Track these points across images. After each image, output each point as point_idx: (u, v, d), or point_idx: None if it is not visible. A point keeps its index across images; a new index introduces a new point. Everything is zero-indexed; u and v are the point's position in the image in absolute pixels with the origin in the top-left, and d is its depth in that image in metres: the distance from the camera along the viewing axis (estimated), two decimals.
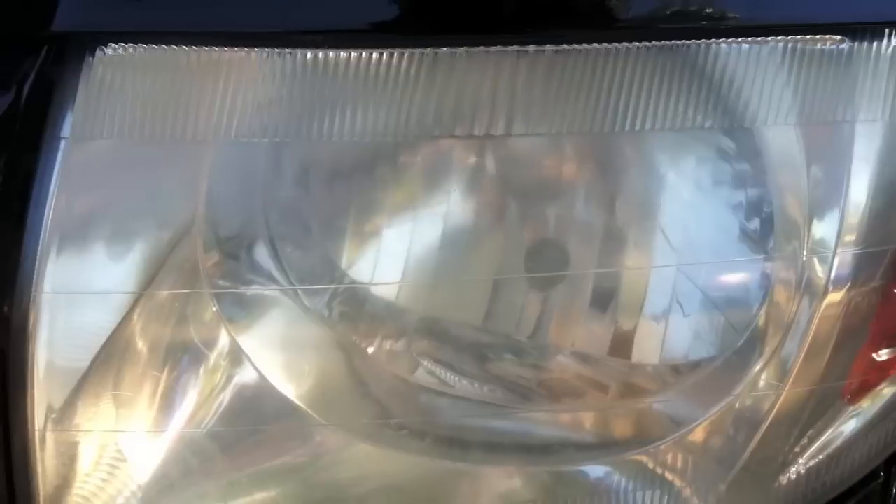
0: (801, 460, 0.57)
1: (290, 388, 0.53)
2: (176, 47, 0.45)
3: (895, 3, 0.50)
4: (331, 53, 0.46)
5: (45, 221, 0.46)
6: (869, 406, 0.58)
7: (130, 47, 0.45)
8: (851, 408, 0.58)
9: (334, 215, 0.53)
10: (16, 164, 0.45)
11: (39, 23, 0.44)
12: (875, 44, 0.50)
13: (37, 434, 0.49)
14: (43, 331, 0.48)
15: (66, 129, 0.45)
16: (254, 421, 0.53)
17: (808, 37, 0.49)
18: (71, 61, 0.45)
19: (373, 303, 0.54)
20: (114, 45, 0.45)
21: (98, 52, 0.45)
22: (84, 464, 0.52)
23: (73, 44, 0.45)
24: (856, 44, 0.49)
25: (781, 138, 0.51)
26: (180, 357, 0.52)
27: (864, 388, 0.57)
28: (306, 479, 0.55)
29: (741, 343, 0.55)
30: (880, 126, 0.51)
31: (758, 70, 0.49)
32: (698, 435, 0.56)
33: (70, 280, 0.47)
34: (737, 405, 0.56)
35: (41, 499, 0.51)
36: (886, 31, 0.49)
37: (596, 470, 0.57)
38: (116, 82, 0.45)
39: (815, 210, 0.52)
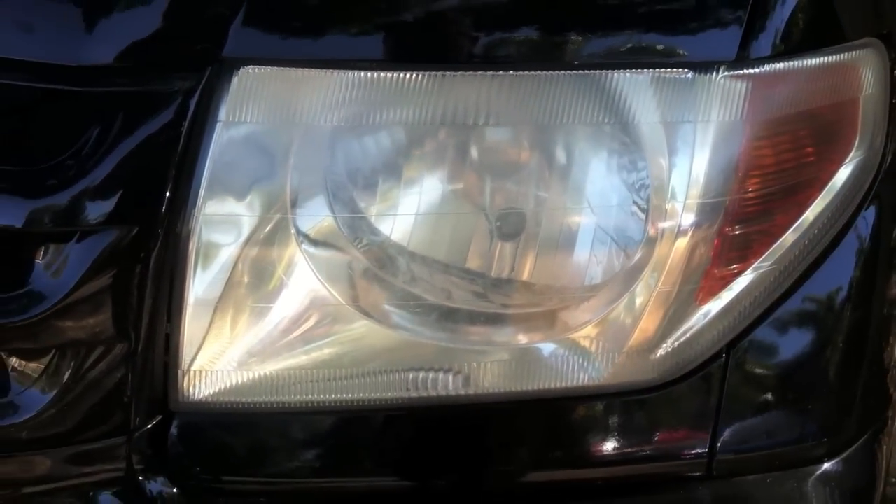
0: (667, 342, 0.81)
1: (330, 284, 0.77)
2: (287, 68, 0.72)
3: (722, 49, 0.76)
4: (377, 73, 0.73)
5: (205, 173, 0.72)
6: (713, 306, 0.81)
7: (261, 68, 0.72)
8: (702, 307, 0.82)
9: (367, 180, 0.77)
10: (191, 136, 0.71)
11: (210, 53, 0.71)
12: (709, 74, 0.75)
13: (189, 309, 0.75)
14: (197, 243, 0.74)
15: (221, 116, 0.71)
16: (307, 303, 0.77)
17: (667, 69, 0.75)
18: (225, 75, 0.71)
19: (390, 243, 0.79)
20: (252, 66, 0.72)
21: (242, 70, 0.71)
22: (211, 332, 0.77)
23: (227, 65, 0.71)
24: (697, 74, 0.75)
25: (654, 132, 0.77)
26: (270, 261, 0.77)
27: (710, 294, 0.81)
28: (334, 341, 0.79)
29: (629, 267, 0.80)
30: (712, 124, 0.76)
31: (636, 89, 0.75)
32: (603, 325, 0.82)
33: (217, 210, 0.74)
34: (623, 305, 0.81)
35: (183, 351, 0.76)
36: (716, 66, 0.76)
37: (547, 346, 0.82)
38: (252, 88, 0.72)
39: (673, 176, 0.77)
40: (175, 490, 0.78)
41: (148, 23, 0.70)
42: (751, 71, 0.76)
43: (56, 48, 0.69)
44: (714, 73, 0.76)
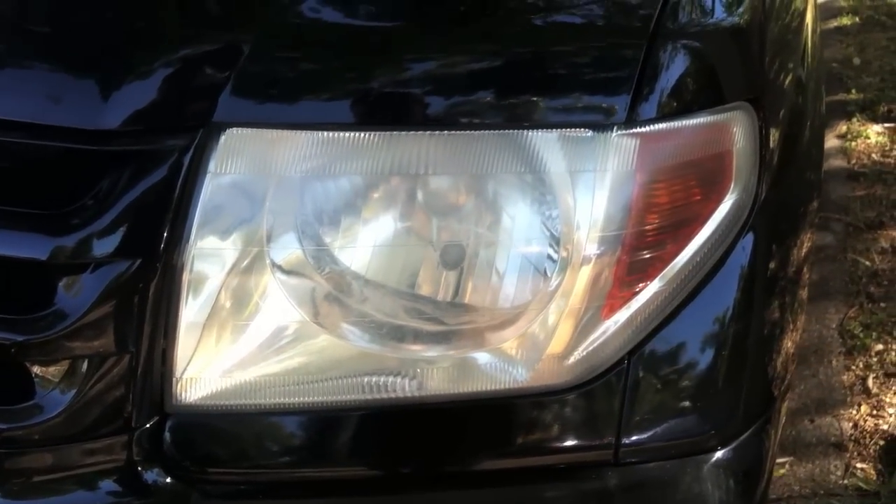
0: (578, 350, 0.95)
1: (298, 305, 0.91)
2: (265, 129, 0.87)
3: (616, 113, 0.89)
4: (338, 133, 0.88)
5: (196, 215, 0.87)
6: (616, 320, 0.95)
7: (244, 129, 0.87)
8: (606, 321, 0.94)
9: (331, 220, 0.91)
10: (185, 185, 0.86)
11: (202, 119, 0.86)
12: (605, 133, 0.89)
13: (182, 327, 0.89)
14: (189, 273, 0.88)
15: (211, 168, 0.87)
16: (278, 322, 0.91)
17: (572, 129, 0.90)
18: (214, 136, 0.86)
19: (349, 271, 0.93)
20: (236, 128, 0.87)
21: (228, 131, 0.87)
22: (200, 347, 0.91)
23: (216, 128, 0.86)
24: (596, 133, 0.90)
25: (562, 179, 0.91)
26: (249, 287, 0.90)
27: (613, 310, 0.95)
28: (301, 352, 0.91)
29: (547, 289, 0.94)
30: (609, 173, 0.91)
31: (547, 145, 0.89)
32: (526, 337, 0.94)
33: (206, 244, 0.89)
34: (542, 321, 0.94)
35: (177, 363, 0.90)
36: (611, 126, 0.90)
37: (482, 355, 0.94)
38: (236, 146, 0.87)
39: (579, 215, 0.92)
40: (169, 479, 0.92)
41: (151, 94, 0.86)
42: (639, 130, 0.92)
43: (77, 115, 0.85)
44: (609, 132, 0.91)
